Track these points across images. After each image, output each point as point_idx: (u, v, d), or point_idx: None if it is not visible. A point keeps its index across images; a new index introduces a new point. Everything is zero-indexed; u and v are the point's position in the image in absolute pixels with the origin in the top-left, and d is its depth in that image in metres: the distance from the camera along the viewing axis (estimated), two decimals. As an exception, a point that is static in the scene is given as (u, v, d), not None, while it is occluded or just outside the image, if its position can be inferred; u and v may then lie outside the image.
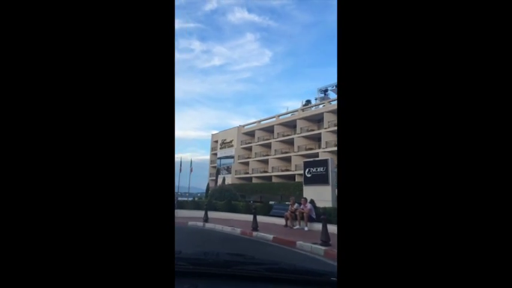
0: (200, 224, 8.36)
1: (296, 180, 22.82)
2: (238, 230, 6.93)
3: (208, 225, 8.13)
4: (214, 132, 37.54)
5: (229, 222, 8.63)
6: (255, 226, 6.79)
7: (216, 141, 35.78)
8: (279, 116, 30.39)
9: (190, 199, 13.11)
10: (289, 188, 20.13)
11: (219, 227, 7.68)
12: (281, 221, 8.09)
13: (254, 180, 28.46)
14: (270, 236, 5.88)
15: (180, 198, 14.06)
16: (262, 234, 6.20)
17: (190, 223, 8.66)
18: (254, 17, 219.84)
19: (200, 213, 9.96)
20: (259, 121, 32.40)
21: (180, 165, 26.41)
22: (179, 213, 11.01)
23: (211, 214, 9.47)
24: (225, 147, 34.02)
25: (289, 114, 29.24)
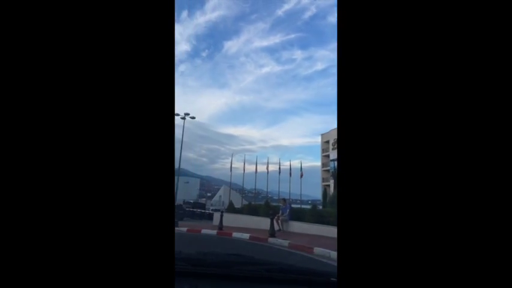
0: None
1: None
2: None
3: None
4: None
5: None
6: None
7: (327, 142, 31.50)
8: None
9: (307, 207, 9.70)
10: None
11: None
12: None
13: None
14: None
15: (293, 205, 10.89)
16: None
17: (317, 251, 4.99)
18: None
19: (328, 231, 6.33)
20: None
21: (290, 170, 24.05)
22: (295, 226, 7.67)
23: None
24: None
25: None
